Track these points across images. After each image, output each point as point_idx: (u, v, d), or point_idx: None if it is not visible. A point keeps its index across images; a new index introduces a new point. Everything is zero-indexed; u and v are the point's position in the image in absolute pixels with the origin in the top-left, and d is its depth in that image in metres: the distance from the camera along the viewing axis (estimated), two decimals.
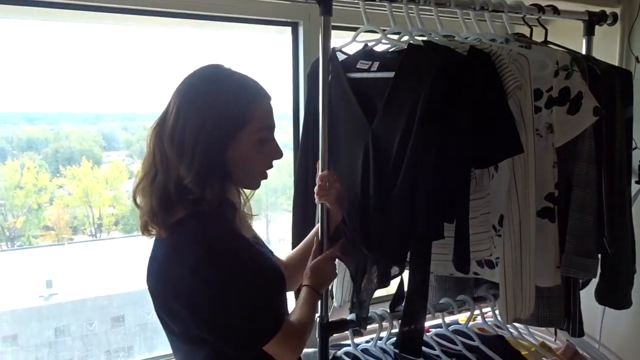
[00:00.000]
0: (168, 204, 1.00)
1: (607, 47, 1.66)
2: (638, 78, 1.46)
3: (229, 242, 1.01)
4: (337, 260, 1.27)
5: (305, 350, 1.40)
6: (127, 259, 3.61)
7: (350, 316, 1.38)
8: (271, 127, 1.05)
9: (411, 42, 1.23)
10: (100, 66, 2.93)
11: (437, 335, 1.49)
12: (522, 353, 1.47)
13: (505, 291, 1.26)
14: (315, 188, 1.26)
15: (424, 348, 1.43)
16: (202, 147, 0.96)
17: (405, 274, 1.29)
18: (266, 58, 1.95)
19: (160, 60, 2.70)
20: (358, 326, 1.33)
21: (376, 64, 1.27)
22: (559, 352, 1.58)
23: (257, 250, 1.09)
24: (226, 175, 1.01)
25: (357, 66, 1.30)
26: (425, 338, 1.45)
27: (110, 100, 3.25)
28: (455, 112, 1.13)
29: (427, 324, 1.43)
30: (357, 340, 1.46)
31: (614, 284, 1.43)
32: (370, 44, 1.35)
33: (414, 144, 1.14)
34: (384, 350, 1.41)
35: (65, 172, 3.51)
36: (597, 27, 1.57)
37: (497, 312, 1.51)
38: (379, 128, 1.24)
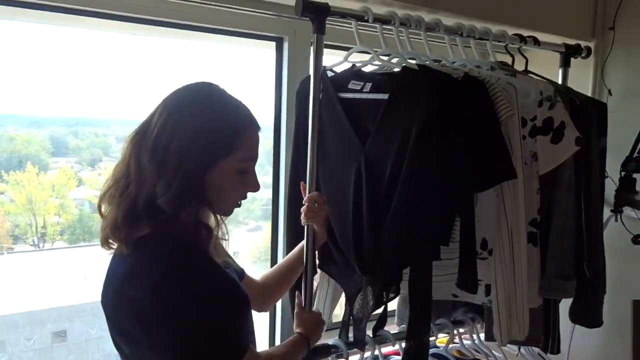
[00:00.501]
0: (134, 218, 0.93)
1: (581, 79, 1.75)
2: (611, 110, 1.53)
3: (194, 263, 0.94)
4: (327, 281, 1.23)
5: None
6: (72, 270, 3.42)
7: (332, 340, 1.36)
8: (254, 158, 1.02)
9: (404, 65, 1.23)
10: (51, 67, 2.76)
11: None
12: None
13: (499, 315, 1.27)
14: (303, 209, 1.23)
15: None
16: (185, 170, 0.92)
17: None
18: (251, 71, 1.91)
19: (122, 67, 2.57)
20: (356, 347, 1.32)
21: (368, 85, 1.26)
22: None
23: (224, 273, 1.01)
24: (203, 199, 0.96)
25: (349, 86, 1.29)
26: None
27: (60, 103, 3.07)
28: (451, 135, 1.13)
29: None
30: None
31: (587, 304, 1.48)
32: (358, 64, 1.34)
33: (409, 165, 1.14)
34: None
35: (8, 178, 3.28)
36: (572, 59, 1.64)
37: (474, 335, 1.55)
38: (372, 149, 1.23)
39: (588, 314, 1.50)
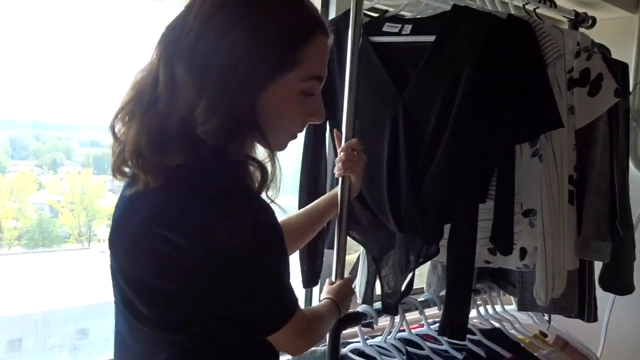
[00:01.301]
0: (163, 144, 0.71)
1: (625, 49, 1.77)
2: None
3: (245, 206, 0.72)
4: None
5: (312, 350, 1.24)
6: (30, 276, 3.16)
7: (361, 308, 1.25)
8: (322, 78, 0.78)
9: (454, 3, 1.15)
10: (15, 68, 2.55)
11: (423, 335, 1.38)
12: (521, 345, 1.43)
13: (546, 275, 1.21)
14: (340, 158, 1.09)
15: (431, 344, 1.33)
16: (233, 90, 0.70)
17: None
18: None
19: (91, 70, 2.36)
20: (386, 312, 1.23)
21: (408, 27, 1.17)
22: (551, 342, 1.55)
23: (276, 221, 0.79)
24: (254, 128, 0.74)
25: (384, 29, 1.19)
26: (430, 332, 1.36)
27: (22, 105, 2.85)
28: (500, 80, 1.06)
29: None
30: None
31: (619, 269, 1.43)
32: (391, 10, 1.26)
33: (459, 112, 1.05)
34: (394, 347, 1.29)
35: None
36: (615, 27, 1.66)
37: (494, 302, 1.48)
38: (412, 97, 1.13)
39: (621, 279, 1.45)
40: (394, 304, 1.22)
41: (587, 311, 1.40)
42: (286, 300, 0.78)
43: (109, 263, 0.79)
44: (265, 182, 0.75)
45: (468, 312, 1.17)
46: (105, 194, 1.38)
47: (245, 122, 0.72)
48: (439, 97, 1.09)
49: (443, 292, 1.39)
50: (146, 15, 1.60)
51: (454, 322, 1.14)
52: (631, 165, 1.79)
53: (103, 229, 2.19)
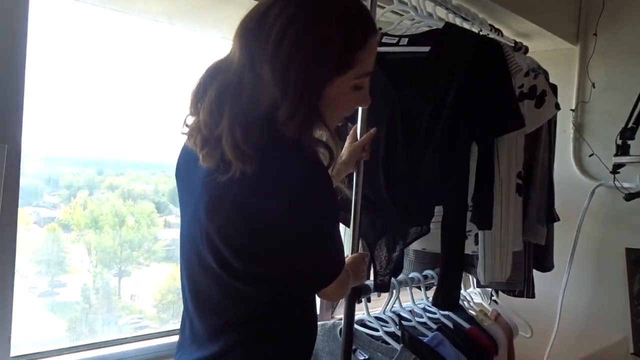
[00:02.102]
0: (253, 138, 0.82)
1: (567, 73, 2.19)
2: (593, 100, 1.96)
3: (326, 179, 0.87)
4: None
5: (322, 322, 1.41)
6: None
7: (369, 281, 1.46)
8: (370, 72, 0.91)
9: (446, 21, 1.40)
10: None
11: (410, 310, 1.64)
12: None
13: (484, 259, 1.44)
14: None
15: (407, 324, 1.57)
16: (311, 88, 0.82)
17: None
18: None
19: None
20: (381, 290, 1.42)
21: (405, 40, 1.41)
22: (490, 315, 1.84)
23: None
24: (319, 118, 0.88)
25: (383, 40, 1.43)
26: (414, 308, 1.59)
27: None
28: (481, 85, 1.32)
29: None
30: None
31: (547, 249, 1.73)
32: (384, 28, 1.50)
33: (449, 114, 1.29)
34: (390, 318, 1.52)
35: None
36: (556, 54, 2.07)
37: None
38: (409, 97, 1.36)
39: (546, 259, 1.76)
40: (386, 282, 1.43)
41: (526, 288, 1.68)
42: (342, 255, 0.94)
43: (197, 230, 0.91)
44: (332, 160, 0.90)
45: (460, 287, 1.39)
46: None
47: (316, 117, 0.86)
48: (432, 99, 1.33)
49: (412, 275, 1.64)
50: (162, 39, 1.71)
51: (448, 296, 1.36)
52: (574, 166, 2.20)
53: None
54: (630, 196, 1.94)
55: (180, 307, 1.65)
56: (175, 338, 1.41)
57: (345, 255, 1.28)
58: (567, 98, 2.00)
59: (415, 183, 1.34)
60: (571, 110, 2.19)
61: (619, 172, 1.92)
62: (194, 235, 0.92)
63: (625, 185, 2.00)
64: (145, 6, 1.60)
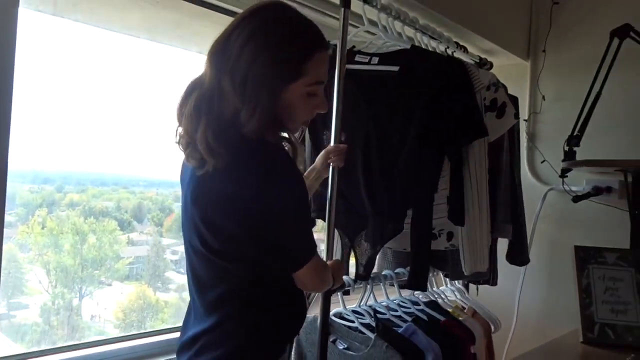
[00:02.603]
0: (222, 140, 0.99)
1: (521, 86, 2.40)
2: (544, 111, 2.19)
3: (293, 168, 1.04)
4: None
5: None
6: None
7: (345, 278, 1.55)
8: (321, 82, 1.06)
9: (412, 44, 1.54)
10: None
11: (385, 305, 1.75)
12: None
13: (464, 254, 1.59)
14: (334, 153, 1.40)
15: (382, 316, 1.68)
16: (263, 98, 0.99)
17: None
18: None
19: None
20: (360, 279, 1.54)
21: (376, 59, 1.53)
22: (466, 312, 1.97)
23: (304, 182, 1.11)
24: (278, 120, 1.05)
25: (356, 59, 1.55)
26: (379, 308, 1.71)
27: None
28: (447, 100, 1.46)
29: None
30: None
31: (521, 245, 1.89)
32: (357, 46, 1.62)
33: (418, 127, 1.42)
34: (366, 311, 1.63)
35: None
36: (511, 69, 2.29)
37: (431, 284, 1.86)
38: (381, 112, 1.49)
39: (522, 254, 1.92)
40: (366, 273, 1.54)
41: (492, 278, 1.83)
42: (312, 242, 1.09)
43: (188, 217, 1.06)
44: (296, 152, 1.07)
45: (427, 270, 1.53)
46: None
47: (272, 119, 1.02)
48: (402, 115, 1.46)
49: (385, 272, 1.75)
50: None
51: (418, 276, 1.48)
52: (528, 172, 2.40)
53: None
54: (577, 198, 2.14)
55: (140, 325, 1.66)
56: (159, 337, 1.47)
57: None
58: (521, 109, 2.17)
59: (390, 189, 1.46)
60: (524, 120, 2.39)
61: (567, 177, 2.11)
62: (187, 223, 1.08)
63: (574, 188, 2.21)
64: (124, 22, 1.64)
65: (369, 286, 1.61)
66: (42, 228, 1.59)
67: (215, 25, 1.84)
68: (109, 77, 1.65)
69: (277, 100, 1.01)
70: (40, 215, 1.59)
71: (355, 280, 1.55)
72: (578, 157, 1.98)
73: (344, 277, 1.53)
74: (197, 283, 1.09)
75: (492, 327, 1.93)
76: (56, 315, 1.62)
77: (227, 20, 1.75)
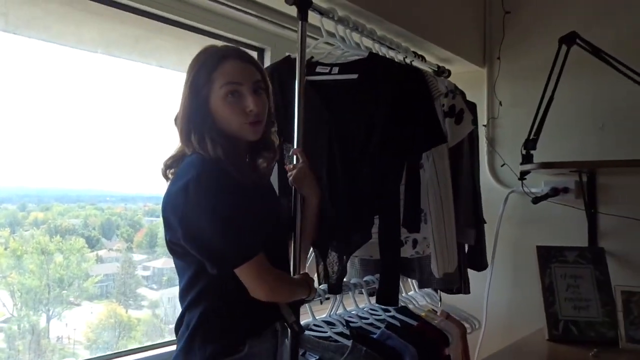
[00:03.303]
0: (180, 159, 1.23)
1: (478, 92, 2.45)
2: (501, 116, 2.28)
3: (215, 175, 1.14)
4: None
5: None
6: None
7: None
8: (234, 82, 1.18)
9: (370, 50, 1.57)
10: None
11: (355, 314, 1.76)
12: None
13: (437, 256, 1.62)
14: (287, 167, 1.41)
15: (354, 324, 1.69)
16: (195, 120, 1.18)
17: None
18: None
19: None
20: (333, 292, 1.54)
21: (336, 69, 1.56)
22: (439, 315, 2.00)
23: (239, 190, 1.16)
24: (212, 128, 1.18)
25: (317, 70, 1.57)
26: (349, 317, 1.72)
27: None
28: (406, 106, 1.49)
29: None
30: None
31: (481, 249, 1.93)
32: (315, 57, 1.65)
33: (382, 129, 1.45)
34: (337, 320, 1.63)
35: None
36: (469, 76, 2.35)
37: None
38: (342, 120, 1.51)
39: (481, 258, 1.96)
40: (337, 285, 1.54)
41: (463, 286, 1.85)
42: (242, 244, 1.12)
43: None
44: (230, 163, 1.15)
45: (398, 284, 1.54)
46: None
47: (207, 128, 1.17)
48: (363, 122, 1.48)
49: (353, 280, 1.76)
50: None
51: (388, 292, 1.49)
52: (489, 176, 2.47)
53: None
54: (536, 199, 2.21)
55: (113, 345, 1.68)
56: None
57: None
58: (479, 115, 2.23)
59: (354, 196, 1.48)
60: (483, 125, 2.46)
61: (525, 179, 2.18)
62: None
63: (533, 190, 2.28)
64: (79, 37, 1.62)
65: (338, 296, 1.61)
66: (5, 249, 1.54)
67: (176, 40, 1.84)
68: (65, 92, 1.62)
69: (207, 110, 1.17)
70: (3, 236, 1.54)
71: (326, 292, 1.55)
72: (535, 160, 2.05)
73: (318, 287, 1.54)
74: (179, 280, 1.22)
75: (469, 327, 1.96)
76: (22, 339, 1.57)
77: (189, 35, 1.76)
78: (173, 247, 1.18)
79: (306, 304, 1.52)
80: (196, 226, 1.11)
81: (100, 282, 1.76)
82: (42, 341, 1.60)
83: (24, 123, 1.53)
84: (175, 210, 1.13)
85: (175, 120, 1.22)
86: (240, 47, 1.30)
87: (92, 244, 1.74)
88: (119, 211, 1.89)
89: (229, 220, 1.10)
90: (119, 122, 1.70)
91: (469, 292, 1.89)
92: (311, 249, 1.51)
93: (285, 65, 1.60)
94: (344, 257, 1.53)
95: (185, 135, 1.19)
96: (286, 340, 1.31)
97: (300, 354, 1.51)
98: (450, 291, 1.89)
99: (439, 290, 2.08)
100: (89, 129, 1.64)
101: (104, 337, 1.72)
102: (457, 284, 1.79)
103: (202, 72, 1.18)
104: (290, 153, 1.42)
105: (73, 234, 1.69)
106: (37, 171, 1.56)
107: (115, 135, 1.70)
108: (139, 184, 1.83)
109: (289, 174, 1.39)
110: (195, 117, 1.18)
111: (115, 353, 1.61)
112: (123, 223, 1.86)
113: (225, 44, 1.26)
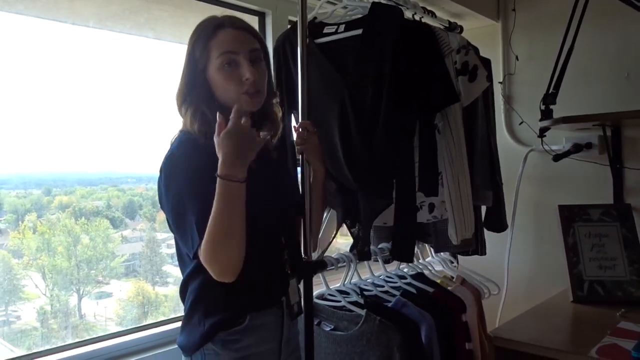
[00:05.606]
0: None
1: (494, 47, 2.34)
2: (517, 72, 2.17)
3: (185, 156, 1.12)
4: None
5: None
6: None
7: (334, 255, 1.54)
8: (230, 51, 1.15)
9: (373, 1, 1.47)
10: None
11: (371, 282, 1.73)
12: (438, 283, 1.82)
13: (455, 220, 1.56)
14: (294, 137, 1.35)
15: (369, 293, 1.65)
16: (195, 80, 1.17)
17: None
18: None
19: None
20: (362, 259, 1.51)
21: (342, 26, 1.47)
22: (454, 281, 1.95)
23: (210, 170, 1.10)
24: (211, 98, 1.16)
25: (324, 31, 1.49)
26: (365, 285, 1.68)
27: None
28: (414, 63, 1.40)
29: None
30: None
31: (499, 210, 1.86)
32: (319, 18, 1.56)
33: (388, 95, 1.37)
34: (352, 289, 1.59)
35: None
36: (483, 31, 2.25)
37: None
38: (353, 81, 1.43)
39: (500, 221, 1.89)
40: (366, 251, 1.50)
41: (479, 247, 1.80)
42: (194, 240, 1.07)
43: None
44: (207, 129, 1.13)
45: (413, 241, 1.50)
46: None
47: (201, 100, 1.15)
48: (370, 82, 1.40)
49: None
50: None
51: (402, 246, 1.44)
52: (507, 135, 2.36)
53: None
54: (557, 157, 2.11)
55: (142, 321, 1.70)
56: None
57: None
58: (495, 72, 2.13)
59: (371, 160, 1.41)
60: (499, 82, 2.35)
61: (545, 136, 2.08)
62: None
63: (554, 147, 2.18)
64: (73, 11, 1.56)
65: (352, 264, 1.57)
66: (34, 232, 1.60)
67: (174, 10, 1.76)
68: (64, 71, 1.58)
69: (202, 83, 1.16)
70: (30, 220, 1.60)
71: (337, 260, 1.51)
72: (555, 115, 1.94)
73: (335, 256, 1.50)
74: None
75: (486, 292, 1.91)
76: (54, 318, 1.63)
77: (188, 3, 1.68)
78: (172, 229, 1.18)
79: (320, 274, 1.49)
80: (165, 211, 1.14)
81: (127, 261, 1.81)
82: (72, 319, 1.66)
83: (39, 110, 1.53)
84: (158, 189, 1.16)
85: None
86: (237, 15, 1.25)
87: (116, 224, 1.79)
88: (140, 191, 1.92)
89: (181, 216, 1.08)
90: (133, 103, 1.69)
91: (485, 254, 1.83)
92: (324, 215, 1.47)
93: (295, 32, 1.51)
94: (368, 222, 1.48)
95: (178, 110, 1.18)
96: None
97: (315, 323, 1.49)
98: (466, 253, 1.84)
99: (457, 256, 2.03)
100: (104, 111, 1.64)
101: (133, 313, 1.78)
102: (473, 246, 1.73)
103: (198, 44, 1.16)
104: (298, 126, 1.35)
105: (97, 216, 1.75)
106: (58, 156, 1.59)
107: (131, 117, 1.69)
108: (157, 164, 1.80)
109: (298, 147, 1.33)
110: (189, 91, 1.16)
111: (143, 325, 1.66)
112: (145, 203, 1.91)
113: (224, 14, 1.23)
